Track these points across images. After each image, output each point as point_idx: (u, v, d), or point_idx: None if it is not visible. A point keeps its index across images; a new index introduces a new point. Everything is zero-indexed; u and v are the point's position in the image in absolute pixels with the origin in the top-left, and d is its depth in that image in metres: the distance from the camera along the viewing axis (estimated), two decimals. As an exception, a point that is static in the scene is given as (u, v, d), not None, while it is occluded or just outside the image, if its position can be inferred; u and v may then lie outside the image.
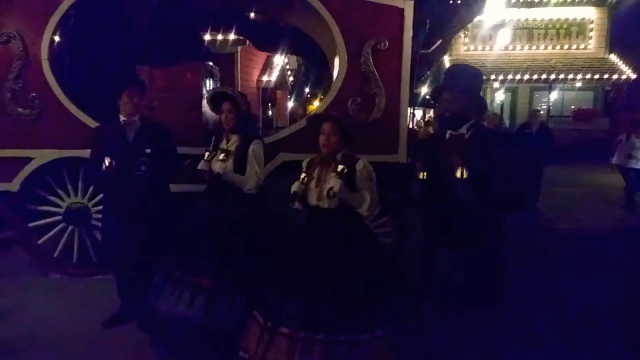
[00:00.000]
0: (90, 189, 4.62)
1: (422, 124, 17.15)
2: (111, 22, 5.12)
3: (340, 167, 2.76)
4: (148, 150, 3.55)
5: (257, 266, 3.18)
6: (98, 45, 5.06)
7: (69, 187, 4.69)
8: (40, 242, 4.73)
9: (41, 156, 4.50)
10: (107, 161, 3.43)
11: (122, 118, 3.66)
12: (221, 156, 3.32)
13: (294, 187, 2.93)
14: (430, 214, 3.12)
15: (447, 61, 17.31)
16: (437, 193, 2.93)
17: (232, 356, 2.83)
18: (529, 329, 3.72)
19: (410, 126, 9.18)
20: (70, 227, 4.73)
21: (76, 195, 4.69)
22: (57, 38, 4.71)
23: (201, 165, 3.39)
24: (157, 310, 3.25)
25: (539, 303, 4.28)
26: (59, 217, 4.70)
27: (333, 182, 2.72)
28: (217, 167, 3.32)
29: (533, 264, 5.35)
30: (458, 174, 2.69)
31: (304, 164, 3.08)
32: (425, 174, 3.01)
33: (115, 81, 3.75)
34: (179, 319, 3.13)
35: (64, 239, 4.73)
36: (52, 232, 4.72)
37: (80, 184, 4.68)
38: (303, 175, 2.93)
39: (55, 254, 4.75)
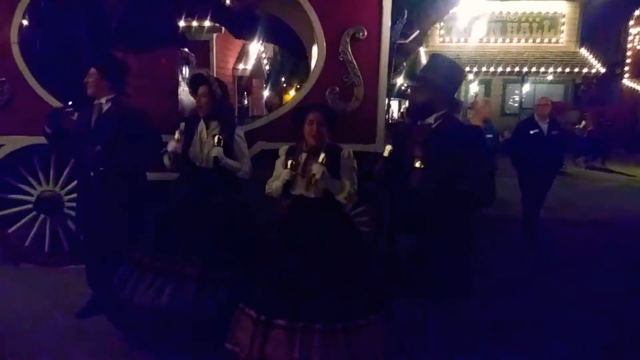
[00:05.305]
0: (63, 177, 4.53)
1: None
2: (83, 6, 4.97)
3: (322, 156, 2.77)
4: (98, 147, 3.41)
5: (244, 255, 3.15)
6: (70, 29, 4.92)
7: (40, 175, 4.58)
8: (10, 231, 4.62)
9: (11, 143, 4.38)
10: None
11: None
12: (215, 140, 3.26)
13: (285, 175, 2.88)
14: (389, 201, 3.05)
15: (423, 52, 17.41)
16: (397, 180, 2.81)
17: (210, 345, 2.82)
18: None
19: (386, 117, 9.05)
20: (42, 216, 4.62)
21: (48, 183, 4.59)
22: (26, 22, 4.57)
23: (173, 147, 3.33)
24: (129, 300, 3.15)
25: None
26: (29, 206, 4.59)
27: (315, 169, 2.73)
28: (214, 152, 3.26)
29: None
30: (417, 164, 2.61)
31: (282, 151, 3.06)
32: (390, 152, 2.94)
33: (87, 66, 3.64)
34: (156, 308, 3.06)
35: (35, 228, 4.62)
36: (22, 221, 4.60)
37: (52, 172, 4.57)
38: (291, 162, 2.88)
39: (26, 244, 4.64)
